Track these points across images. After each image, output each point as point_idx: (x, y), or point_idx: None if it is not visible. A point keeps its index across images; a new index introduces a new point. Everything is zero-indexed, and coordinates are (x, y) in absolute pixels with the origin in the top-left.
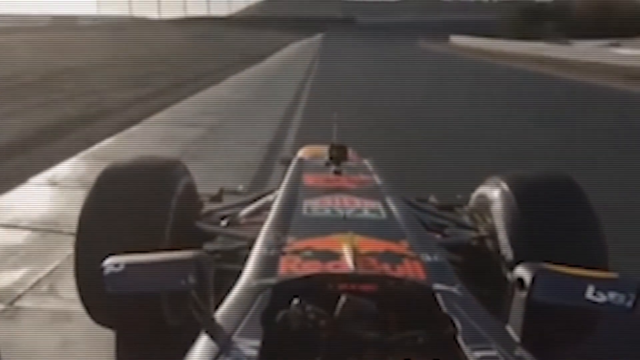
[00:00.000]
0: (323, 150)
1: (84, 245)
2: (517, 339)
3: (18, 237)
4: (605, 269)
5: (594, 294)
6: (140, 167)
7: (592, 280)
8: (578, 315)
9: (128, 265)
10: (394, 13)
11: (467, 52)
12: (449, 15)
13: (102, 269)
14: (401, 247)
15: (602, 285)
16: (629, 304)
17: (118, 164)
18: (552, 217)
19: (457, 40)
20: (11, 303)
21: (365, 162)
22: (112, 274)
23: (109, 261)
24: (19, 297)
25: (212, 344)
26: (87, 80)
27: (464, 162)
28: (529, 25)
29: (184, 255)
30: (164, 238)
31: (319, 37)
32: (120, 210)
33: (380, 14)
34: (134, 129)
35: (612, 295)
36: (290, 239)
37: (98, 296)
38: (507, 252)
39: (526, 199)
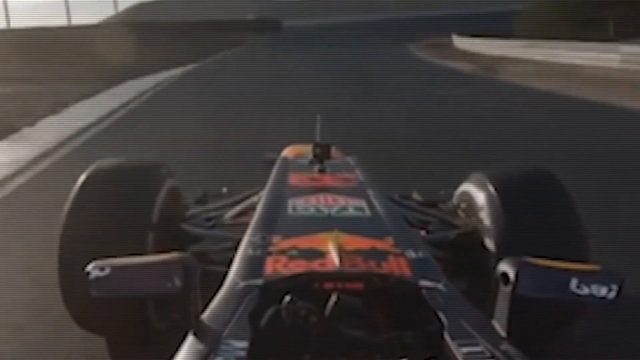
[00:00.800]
0: (307, 149)
1: (67, 248)
2: (503, 333)
3: None
4: (587, 262)
5: (578, 287)
6: (125, 169)
7: (575, 273)
8: (560, 308)
9: (113, 269)
10: (325, 13)
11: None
12: (406, 13)
13: (87, 274)
14: (386, 244)
15: (586, 278)
16: (612, 295)
17: (102, 166)
18: (535, 212)
19: (476, 45)
20: None
21: (349, 159)
22: (97, 278)
23: (93, 265)
24: None
25: (200, 346)
26: None
27: None
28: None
29: (169, 257)
30: (149, 241)
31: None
32: (104, 213)
33: (312, 13)
34: None
35: (595, 287)
36: (275, 239)
37: (83, 300)
38: (491, 247)
39: (509, 195)
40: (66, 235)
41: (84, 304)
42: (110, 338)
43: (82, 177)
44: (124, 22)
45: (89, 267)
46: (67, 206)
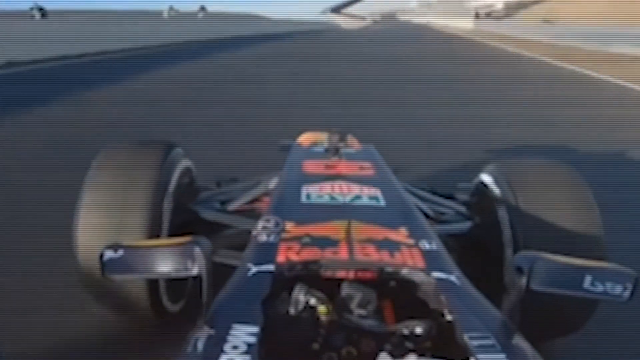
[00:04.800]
0: (322, 136)
1: (82, 229)
2: (514, 327)
3: None
4: (603, 259)
5: (592, 284)
6: (139, 150)
7: (589, 269)
8: (574, 304)
9: (127, 251)
10: None
11: None
12: None
13: (101, 255)
14: (400, 234)
15: (600, 275)
16: (626, 294)
17: (116, 148)
18: (551, 205)
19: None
20: None
21: (365, 148)
22: (111, 259)
23: (107, 246)
24: None
25: (211, 331)
26: None
27: None
28: None
29: (183, 241)
30: (162, 223)
31: None
32: (118, 195)
33: None
34: None
35: (609, 285)
36: (289, 226)
37: (98, 280)
38: (506, 240)
39: (525, 188)
40: (82, 217)
41: (99, 282)
42: (124, 318)
43: (97, 159)
44: None
45: (103, 249)
46: (82, 188)
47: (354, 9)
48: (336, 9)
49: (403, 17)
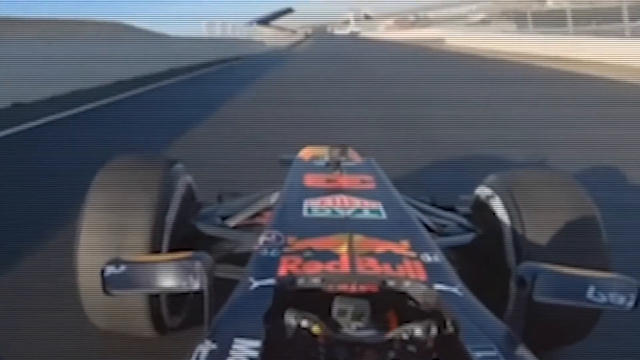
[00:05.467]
0: (323, 150)
1: (84, 247)
2: (518, 338)
3: None
4: (607, 269)
5: (595, 294)
6: (139, 166)
7: (593, 280)
8: (577, 316)
9: (128, 266)
10: None
11: None
12: None
13: (102, 271)
14: (402, 247)
15: (603, 285)
16: (630, 304)
17: (117, 164)
18: (553, 216)
19: None
20: None
21: (366, 161)
22: (112, 275)
23: (109, 262)
24: None
25: (213, 346)
26: None
27: None
28: None
29: (185, 255)
30: (163, 239)
31: None
32: (119, 210)
33: None
34: None
35: (612, 295)
36: (290, 240)
37: (98, 297)
38: (508, 252)
39: (526, 198)
40: (83, 234)
41: (99, 299)
42: (124, 335)
43: (98, 175)
44: None
45: (104, 264)
46: (83, 204)
47: (281, 21)
48: (263, 21)
49: (340, 31)
